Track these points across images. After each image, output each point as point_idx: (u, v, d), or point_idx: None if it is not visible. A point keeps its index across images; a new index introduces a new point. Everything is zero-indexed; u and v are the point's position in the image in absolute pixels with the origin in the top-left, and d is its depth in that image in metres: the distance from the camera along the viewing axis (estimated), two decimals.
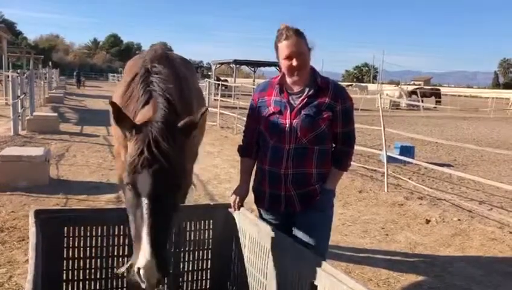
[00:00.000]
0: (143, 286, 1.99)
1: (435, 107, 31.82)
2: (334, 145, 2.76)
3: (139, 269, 1.92)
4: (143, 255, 1.90)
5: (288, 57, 2.58)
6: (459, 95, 50.56)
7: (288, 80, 2.69)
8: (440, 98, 35.86)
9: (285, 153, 2.63)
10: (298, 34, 2.60)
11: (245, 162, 2.92)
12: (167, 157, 2.01)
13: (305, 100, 2.62)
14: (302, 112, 2.61)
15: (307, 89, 2.64)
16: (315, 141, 2.63)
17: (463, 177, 8.35)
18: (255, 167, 2.88)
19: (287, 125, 2.62)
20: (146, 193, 1.98)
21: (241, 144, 2.95)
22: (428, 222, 5.97)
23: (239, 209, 2.89)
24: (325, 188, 2.72)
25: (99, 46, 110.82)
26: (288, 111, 2.63)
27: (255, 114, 2.80)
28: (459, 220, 6.01)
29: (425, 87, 49.19)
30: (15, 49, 44.16)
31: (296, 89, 2.68)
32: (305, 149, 2.63)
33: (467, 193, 7.86)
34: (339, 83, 2.99)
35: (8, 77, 14.40)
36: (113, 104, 2.10)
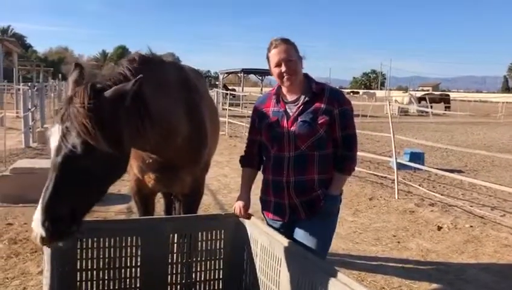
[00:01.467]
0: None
1: (444, 113, 31.67)
2: (335, 150, 2.74)
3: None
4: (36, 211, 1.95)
5: (278, 64, 2.64)
6: (468, 100, 50.17)
7: (283, 88, 2.75)
8: (449, 103, 35.69)
9: (286, 161, 2.67)
10: (286, 42, 2.67)
11: (246, 172, 2.97)
12: (77, 118, 1.98)
13: (301, 107, 2.66)
14: (299, 119, 2.64)
15: (303, 97, 2.68)
16: (314, 146, 2.65)
17: (474, 183, 8.29)
18: (262, 178, 2.90)
19: (285, 133, 2.65)
20: (51, 148, 2.06)
21: (243, 154, 3.00)
22: (440, 228, 5.93)
23: (248, 218, 2.92)
24: (328, 194, 2.70)
25: (108, 57, 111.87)
26: (285, 119, 2.67)
27: (256, 126, 2.86)
28: (471, 226, 5.96)
29: (434, 92, 48.99)
30: (25, 62, 44.84)
31: (291, 97, 2.73)
32: (305, 156, 2.65)
33: (479, 199, 7.80)
34: (344, 89, 3.03)
35: (19, 90, 14.58)
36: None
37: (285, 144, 2.67)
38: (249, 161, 2.95)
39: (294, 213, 2.73)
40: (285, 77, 2.64)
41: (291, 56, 2.64)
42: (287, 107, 2.72)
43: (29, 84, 15.06)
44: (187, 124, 2.90)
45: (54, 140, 2.05)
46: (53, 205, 1.94)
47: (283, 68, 2.62)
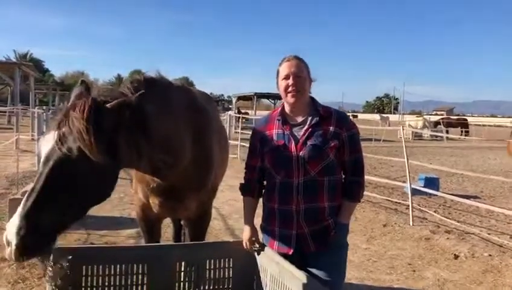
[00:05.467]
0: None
1: (459, 138, 31.31)
2: (344, 175, 2.66)
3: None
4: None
5: (286, 76, 2.56)
6: (483, 125, 49.63)
7: (287, 109, 2.64)
8: (468, 128, 35.18)
9: (295, 188, 2.54)
10: (299, 59, 2.61)
11: (248, 202, 2.83)
12: (75, 124, 1.99)
13: (309, 130, 2.55)
14: (308, 143, 2.52)
15: (310, 118, 2.58)
16: (324, 172, 2.53)
17: (491, 210, 8.06)
18: (263, 206, 2.78)
19: (294, 157, 2.52)
20: (42, 153, 2.04)
21: (243, 182, 2.86)
22: (457, 257, 5.75)
23: (261, 248, 2.79)
24: (338, 223, 2.58)
25: (123, 81, 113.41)
26: (293, 143, 2.55)
27: (256, 151, 2.73)
28: (489, 255, 5.76)
29: (451, 117, 48.63)
30: (42, 86, 45.66)
31: (297, 119, 2.62)
32: (315, 181, 2.53)
33: (497, 227, 7.57)
34: (349, 112, 2.95)
35: (35, 113, 14.77)
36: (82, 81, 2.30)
37: (293, 169, 2.53)
38: (250, 189, 2.81)
39: (301, 245, 2.58)
40: (291, 93, 2.54)
41: (301, 72, 2.56)
42: (293, 129, 2.60)
43: (44, 107, 15.25)
44: (192, 148, 2.84)
45: (46, 146, 2.03)
46: (34, 212, 1.91)
47: (290, 81, 2.54)
